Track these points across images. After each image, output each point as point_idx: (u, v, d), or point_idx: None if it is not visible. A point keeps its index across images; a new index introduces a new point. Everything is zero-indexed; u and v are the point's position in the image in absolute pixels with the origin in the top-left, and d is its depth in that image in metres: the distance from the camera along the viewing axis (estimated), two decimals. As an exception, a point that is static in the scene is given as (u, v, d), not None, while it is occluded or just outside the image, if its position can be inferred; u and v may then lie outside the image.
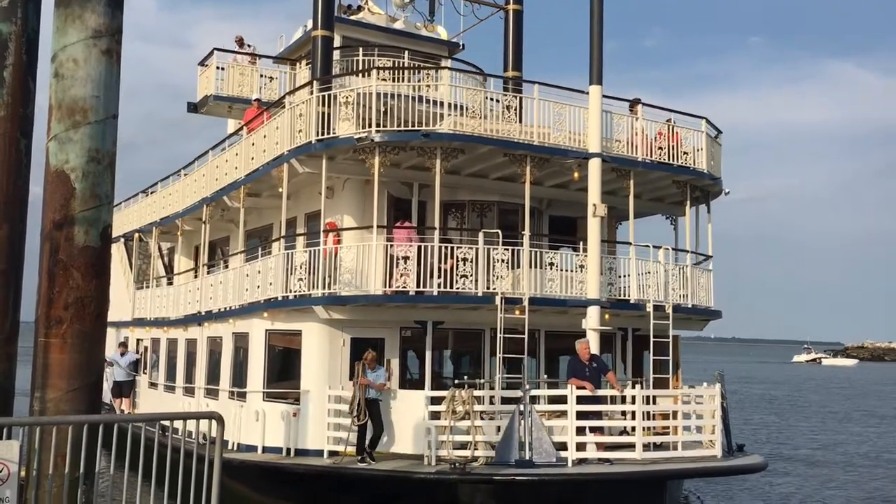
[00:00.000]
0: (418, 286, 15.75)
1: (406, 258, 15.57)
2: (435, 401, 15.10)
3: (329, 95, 16.43)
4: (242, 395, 17.82)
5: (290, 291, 16.36)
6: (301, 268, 16.25)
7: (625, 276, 17.65)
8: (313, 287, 16.09)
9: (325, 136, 16.10)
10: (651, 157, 17.73)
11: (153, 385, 24.38)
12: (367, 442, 14.99)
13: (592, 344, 15.99)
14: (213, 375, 19.84)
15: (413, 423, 15.21)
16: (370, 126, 15.73)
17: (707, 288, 19.13)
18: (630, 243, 17.71)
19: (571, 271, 16.89)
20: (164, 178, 25.95)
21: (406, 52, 22.07)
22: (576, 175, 17.16)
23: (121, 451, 6.97)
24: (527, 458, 13.99)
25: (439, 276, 15.82)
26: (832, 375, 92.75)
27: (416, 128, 15.81)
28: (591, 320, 16.34)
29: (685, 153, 18.30)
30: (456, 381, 16.60)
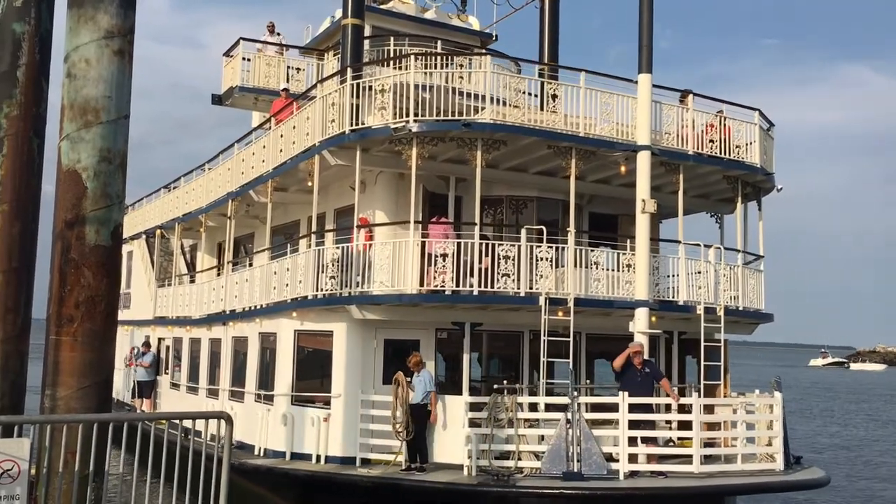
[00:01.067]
0: (456, 285, 14.86)
1: (444, 255, 14.67)
2: (474, 407, 14.22)
3: (363, 84, 15.58)
4: (269, 399, 17.00)
5: (321, 290, 15.51)
6: (333, 265, 15.40)
7: (673, 276, 16.67)
8: (346, 285, 15.24)
9: (360, 126, 15.24)
10: (702, 150, 16.74)
11: (175, 386, 23.62)
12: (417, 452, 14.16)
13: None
14: (239, 377, 19.03)
15: (451, 431, 14.34)
16: (407, 116, 14.83)
17: (758, 289, 18.12)
18: (679, 241, 16.73)
19: (617, 271, 15.94)
20: (187, 172, 25.20)
21: (438, 43, 21.19)
22: (623, 169, 16.22)
23: (134, 449, 7.15)
24: (575, 469, 13.09)
25: (478, 275, 14.91)
26: (872, 381, 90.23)
27: (456, 117, 14.90)
28: (640, 323, 15.40)
29: (737, 147, 17.30)
30: (495, 387, 15.74)
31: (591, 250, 15.76)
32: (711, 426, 14.41)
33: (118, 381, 27.79)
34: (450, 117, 14.90)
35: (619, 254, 15.99)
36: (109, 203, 6.71)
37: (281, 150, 17.85)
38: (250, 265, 20.41)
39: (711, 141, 16.89)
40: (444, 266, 14.67)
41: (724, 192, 19.04)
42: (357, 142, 15.30)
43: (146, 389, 24.09)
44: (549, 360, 14.75)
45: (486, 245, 14.89)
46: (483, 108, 15.12)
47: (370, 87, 15.77)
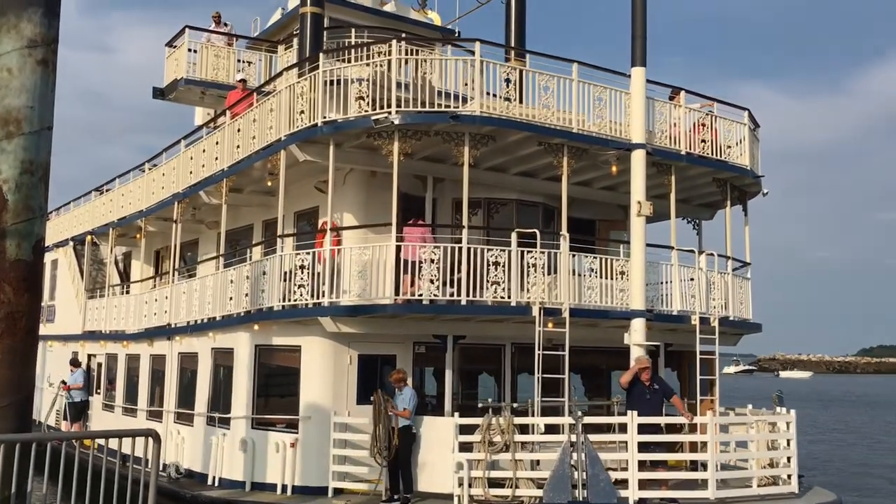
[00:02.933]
0: (442, 294, 13.46)
1: (431, 261, 13.25)
2: (465, 429, 12.82)
3: (334, 74, 14.07)
4: (225, 422, 15.26)
5: (289, 300, 13.90)
6: (303, 272, 13.82)
7: (665, 282, 15.61)
8: (317, 295, 13.68)
9: (333, 117, 13.73)
10: (693, 150, 15.75)
11: (109, 407, 21.53)
12: (401, 482, 12.65)
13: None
14: (186, 397, 17.21)
15: (437, 456, 12.89)
16: (388, 107, 13.38)
17: (745, 298, 17.21)
18: (672, 247, 15.69)
19: (609, 278, 14.76)
20: (123, 173, 23.13)
21: (401, 36, 19.80)
22: (614, 169, 15.09)
23: (58, 474, 6.45)
24: (581, 498, 11.79)
25: (463, 283, 13.53)
26: (809, 388, 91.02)
27: (441, 109, 13.53)
28: (637, 334, 14.24)
29: (728, 147, 16.38)
30: (480, 406, 14.38)
31: (585, 256, 14.54)
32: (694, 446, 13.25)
33: (45, 403, 25.44)
34: (434, 109, 13.51)
35: (612, 260, 14.81)
36: (31, 216, 6.51)
37: (238, 147, 16.17)
38: (191, 275, 18.59)
39: (703, 141, 15.92)
40: (428, 273, 13.24)
41: (706, 197, 18.15)
42: (330, 135, 13.78)
43: (75, 412, 21.86)
44: (545, 376, 13.42)
45: (474, 251, 13.51)
46: (468, 101, 13.78)
47: (337, 81, 14.25)
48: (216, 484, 14.94)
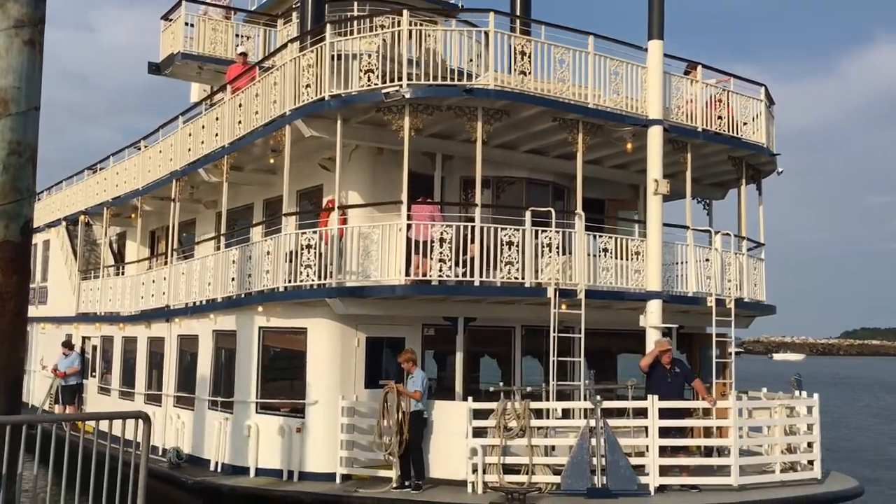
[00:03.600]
0: (447, 275, 13.01)
1: (442, 240, 12.79)
2: (479, 414, 12.41)
3: (341, 47, 13.53)
4: (228, 406, 14.82)
5: (296, 281, 13.43)
6: (309, 252, 13.33)
7: (681, 263, 15.19)
8: (324, 276, 13.21)
9: (342, 91, 13.20)
10: (709, 127, 15.29)
11: (104, 390, 21.05)
12: (412, 467, 12.25)
13: (651, 343, 13.55)
14: (186, 381, 16.75)
15: (451, 442, 12.46)
16: (398, 80, 12.86)
17: (760, 279, 16.83)
18: (687, 227, 15.26)
19: (623, 259, 14.33)
20: (118, 151, 22.54)
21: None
22: (629, 146, 14.63)
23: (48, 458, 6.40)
24: (600, 485, 11.42)
25: (473, 263, 13.07)
26: (804, 371, 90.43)
27: (454, 83, 13.02)
28: (653, 317, 13.87)
29: (744, 124, 15.93)
30: (491, 390, 13.99)
31: (599, 236, 14.10)
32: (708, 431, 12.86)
33: (37, 386, 24.93)
34: (446, 83, 13.00)
35: (626, 240, 14.38)
36: (20, 197, 6.49)
37: (240, 122, 15.62)
38: (188, 256, 18.06)
39: (720, 117, 15.47)
40: (439, 253, 12.78)
41: (719, 176, 17.71)
42: (338, 110, 13.26)
43: (68, 395, 21.33)
44: (560, 359, 13.01)
45: (487, 230, 13.05)
46: (474, 78, 13.28)
47: (343, 56, 13.69)
48: (219, 470, 14.52)
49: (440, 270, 12.76)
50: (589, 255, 14.12)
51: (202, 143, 17.03)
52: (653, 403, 11.74)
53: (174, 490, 14.77)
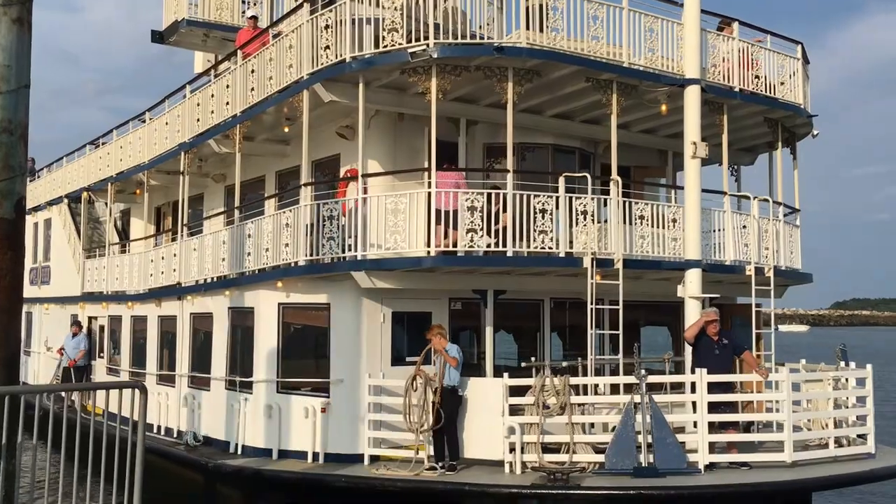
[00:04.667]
0: (478, 245, 12.34)
1: (473, 209, 12.10)
2: (515, 391, 11.80)
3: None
4: (247, 386, 14.19)
5: (318, 254, 12.76)
6: (331, 223, 12.65)
7: (718, 230, 14.52)
8: (349, 248, 12.54)
9: (364, 52, 12.45)
10: (747, 87, 14.57)
11: (113, 371, 20.44)
12: (446, 447, 11.66)
13: (692, 319, 12.93)
14: (201, 360, 16.13)
15: (482, 420, 11.86)
16: (424, 39, 12.10)
17: (795, 247, 16.18)
18: (725, 192, 14.59)
19: (658, 227, 13.66)
20: (121, 124, 21.75)
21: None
22: (664, 108, 13.91)
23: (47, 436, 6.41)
24: (646, 464, 10.82)
25: (506, 233, 12.40)
26: (811, 341, 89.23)
27: (483, 41, 12.28)
28: (692, 286, 13.24)
29: (782, 83, 15.20)
30: (523, 365, 13.40)
31: (636, 203, 13.42)
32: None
33: (42, 367, 24.34)
34: (475, 41, 12.26)
35: (662, 207, 13.71)
36: (12, 175, 6.65)
37: (252, 90, 14.86)
38: (196, 232, 17.37)
39: (757, 77, 14.74)
40: (469, 222, 12.09)
41: (749, 140, 17.01)
42: (360, 72, 12.52)
43: (76, 377, 20.73)
44: (600, 332, 12.41)
45: (519, 197, 12.36)
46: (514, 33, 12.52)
47: (359, 20, 12.93)
48: (239, 452, 13.92)
49: (471, 240, 12.08)
50: (623, 223, 13.47)
51: (212, 112, 16.28)
52: (701, 377, 11.11)
53: (193, 473, 14.22)
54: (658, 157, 17.25)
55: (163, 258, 18.07)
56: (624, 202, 13.10)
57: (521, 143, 15.38)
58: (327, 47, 12.83)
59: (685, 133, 13.40)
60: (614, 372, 13.47)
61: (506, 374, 11.84)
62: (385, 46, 12.23)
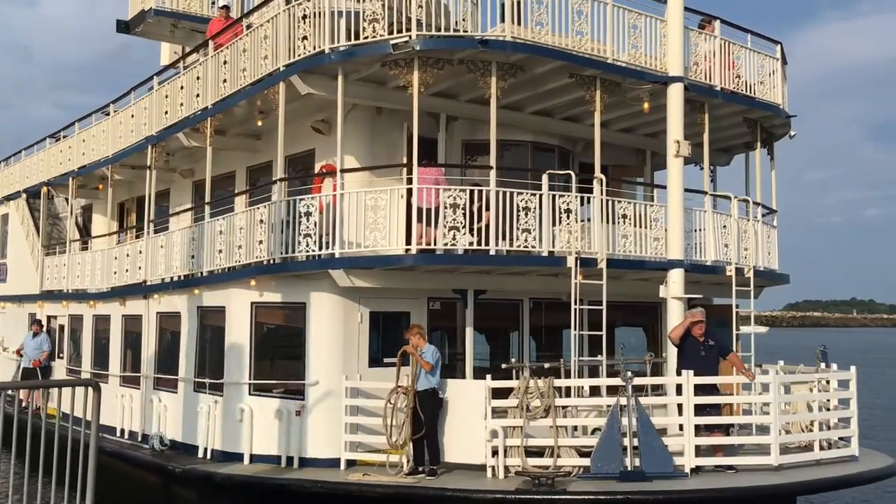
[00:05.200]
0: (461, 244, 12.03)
1: (455, 206, 11.79)
2: (497, 393, 11.50)
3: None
4: (218, 388, 13.73)
5: (294, 251, 12.35)
6: (308, 220, 12.25)
7: (697, 230, 14.37)
8: (326, 245, 12.16)
9: (343, 43, 12.07)
10: (728, 86, 14.45)
11: (73, 372, 19.76)
12: (426, 451, 11.31)
13: (674, 320, 12.76)
14: (168, 362, 15.60)
15: (468, 423, 11.53)
16: (405, 31, 11.76)
17: (773, 248, 16.11)
18: (706, 192, 14.45)
19: (639, 226, 13.47)
20: (83, 117, 21.06)
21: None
22: (646, 106, 13.72)
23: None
24: (633, 468, 10.59)
25: (486, 231, 12.10)
26: (770, 342, 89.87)
27: (467, 33, 11.98)
28: (675, 287, 13.04)
29: (761, 83, 15.11)
30: (504, 366, 13.12)
31: (618, 202, 13.22)
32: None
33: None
34: (459, 34, 11.95)
35: (645, 206, 13.52)
36: None
37: (224, 81, 14.39)
38: (161, 229, 16.81)
39: (738, 76, 14.63)
40: (452, 220, 11.77)
41: (725, 140, 16.91)
42: (340, 63, 12.13)
43: (35, 378, 20.02)
44: (587, 332, 12.15)
45: (503, 195, 12.07)
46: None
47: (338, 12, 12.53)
48: (209, 456, 13.47)
49: (453, 238, 11.76)
50: (604, 222, 13.25)
51: (181, 105, 15.76)
52: (688, 379, 10.91)
53: (159, 478, 13.73)
54: (636, 157, 17.10)
55: (128, 255, 17.49)
56: (607, 201, 12.87)
57: (500, 140, 14.96)
58: (305, 38, 12.43)
59: (668, 131, 13.21)
60: (592, 373, 13.28)
61: (488, 377, 11.54)
62: (366, 38, 11.86)
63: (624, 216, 13.15)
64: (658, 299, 15.40)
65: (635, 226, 13.37)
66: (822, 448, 11.79)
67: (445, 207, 11.79)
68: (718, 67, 14.24)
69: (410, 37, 11.55)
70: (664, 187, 13.40)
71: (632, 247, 13.18)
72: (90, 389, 5.89)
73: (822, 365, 13.20)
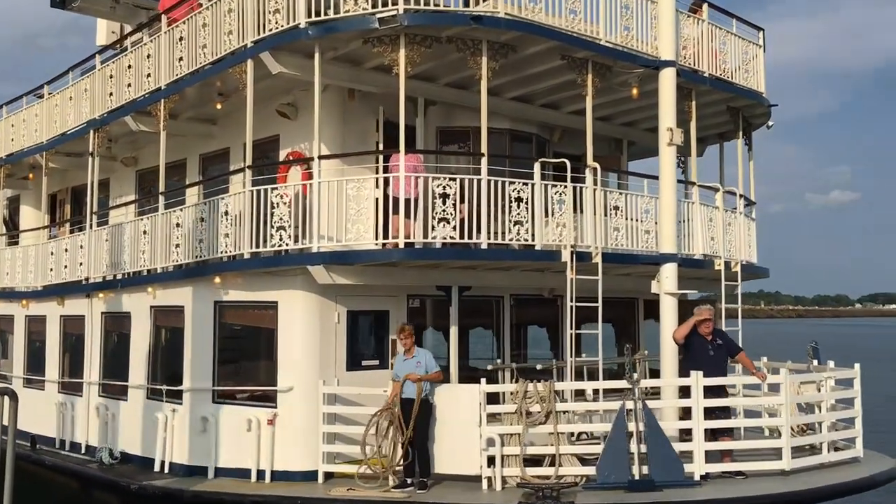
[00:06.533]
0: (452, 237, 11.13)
1: (445, 196, 10.87)
2: (492, 398, 10.66)
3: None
4: (175, 395, 12.54)
5: (265, 246, 11.26)
6: (281, 211, 11.18)
7: (685, 222, 13.76)
8: (302, 238, 11.12)
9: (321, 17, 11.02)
10: (716, 72, 13.89)
11: (2, 378, 18.17)
12: (416, 462, 10.40)
13: (667, 316, 12.15)
14: (115, 367, 14.31)
15: (461, 431, 10.64)
16: (391, 4, 10.76)
17: (752, 241, 15.66)
18: (694, 183, 13.87)
19: (634, 219, 12.81)
20: (12, 100, 19.39)
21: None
22: (635, 92, 13.04)
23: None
24: (642, 476, 9.89)
25: (477, 223, 11.22)
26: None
27: (458, 8, 11.07)
28: (668, 282, 12.39)
29: (746, 72, 14.61)
30: (489, 367, 12.32)
31: (610, 192, 12.51)
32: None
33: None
34: (449, 8, 11.03)
35: (637, 198, 12.83)
36: None
37: (180, 59, 13.14)
38: (89, 224, 15.46)
39: (725, 63, 14.09)
40: (442, 210, 10.86)
41: (705, 129, 16.37)
42: (317, 39, 11.07)
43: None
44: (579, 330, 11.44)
45: (494, 184, 11.21)
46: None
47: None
48: (167, 470, 12.29)
49: (443, 230, 10.84)
50: (604, 213, 12.50)
51: (129, 85, 14.43)
52: (697, 380, 10.26)
53: (110, 496, 12.50)
54: (612, 146, 16.46)
55: (66, 251, 16.05)
56: (603, 192, 12.15)
57: (476, 126, 14.25)
58: (277, 11, 11.32)
59: (660, 118, 12.55)
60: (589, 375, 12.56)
61: (483, 380, 10.67)
62: (346, 11, 10.83)
63: (616, 208, 12.44)
64: (633, 294, 14.89)
65: (626, 218, 12.70)
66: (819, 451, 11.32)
67: (434, 197, 10.86)
68: (706, 53, 13.67)
69: (398, 10, 10.56)
70: (656, 178, 12.72)
71: (623, 240, 12.48)
72: (6, 398, 5.75)
73: (815, 362, 12.79)
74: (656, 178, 12.72)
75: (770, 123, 16.09)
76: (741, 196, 14.99)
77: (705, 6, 13.84)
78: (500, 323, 13.72)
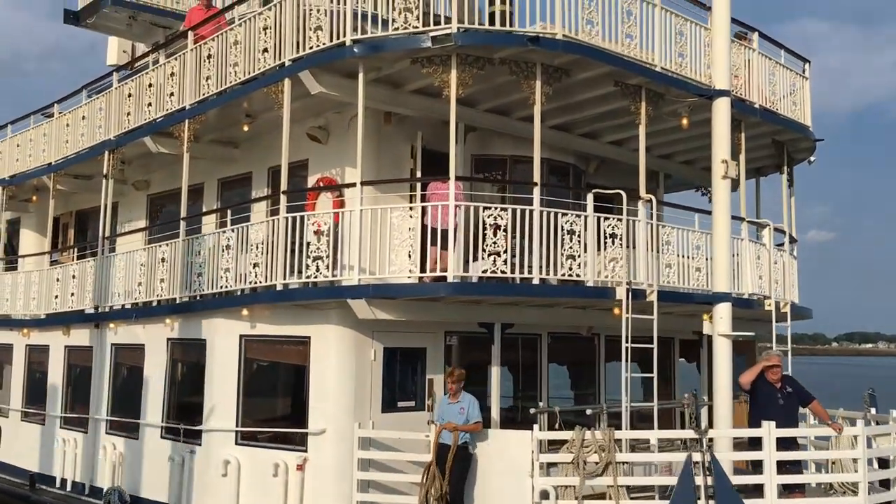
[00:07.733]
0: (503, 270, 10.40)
1: (496, 227, 10.15)
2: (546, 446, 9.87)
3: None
4: (193, 435, 11.69)
5: (300, 277, 10.49)
6: (319, 240, 10.43)
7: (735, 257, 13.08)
8: (338, 270, 10.36)
9: (365, 35, 10.36)
10: (765, 103, 13.33)
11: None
12: None
13: (722, 360, 11.41)
14: (126, 402, 13.45)
15: (509, 483, 9.83)
16: (439, 24, 10.13)
17: (794, 280, 15.01)
18: (743, 219, 13.21)
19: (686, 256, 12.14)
20: (18, 118, 18.59)
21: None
22: (685, 122, 12.42)
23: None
24: (711, 534, 9.08)
25: (521, 257, 10.50)
26: None
27: (514, 28, 10.42)
28: (722, 323, 11.64)
29: (793, 103, 14.06)
30: (532, 411, 11.52)
31: (663, 226, 11.84)
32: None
33: None
34: (505, 28, 10.37)
35: (687, 231, 12.17)
36: None
37: (208, 78, 12.44)
38: (93, 251, 14.66)
39: (774, 94, 13.53)
40: (494, 243, 10.14)
41: (748, 162, 15.78)
42: (362, 59, 10.40)
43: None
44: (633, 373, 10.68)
45: (546, 215, 10.51)
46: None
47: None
48: (182, 517, 11.40)
49: (494, 263, 10.10)
50: (656, 249, 11.84)
51: (149, 104, 13.70)
52: (769, 431, 9.50)
53: None
54: (649, 179, 15.79)
55: (74, 277, 15.20)
56: (656, 226, 11.49)
57: (513, 155, 13.64)
58: (318, 28, 10.65)
59: (713, 150, 11.86)
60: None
61: (535, 427, 9.89)
62: (396, 29, 10.17)
63: (667, 243, 11.77)
64: (670, 334, 14.18)
65: (677, 255, 12.03)
66: None
67: (485, 228, 10.14)
68: (756, 83, 13.10)
69: (450, 29, 9.91)
70: (709, 213, 12.05)
71: (675, 277, 11.79)
72: None
73: (873, 410, 12.07)
74: (709, 212, 12.07)
75: (812, 159, 15.54)
76: (784, 233, 14.37)
77: (755, 35, 13.30)
78: (538, 361, 12.95)
